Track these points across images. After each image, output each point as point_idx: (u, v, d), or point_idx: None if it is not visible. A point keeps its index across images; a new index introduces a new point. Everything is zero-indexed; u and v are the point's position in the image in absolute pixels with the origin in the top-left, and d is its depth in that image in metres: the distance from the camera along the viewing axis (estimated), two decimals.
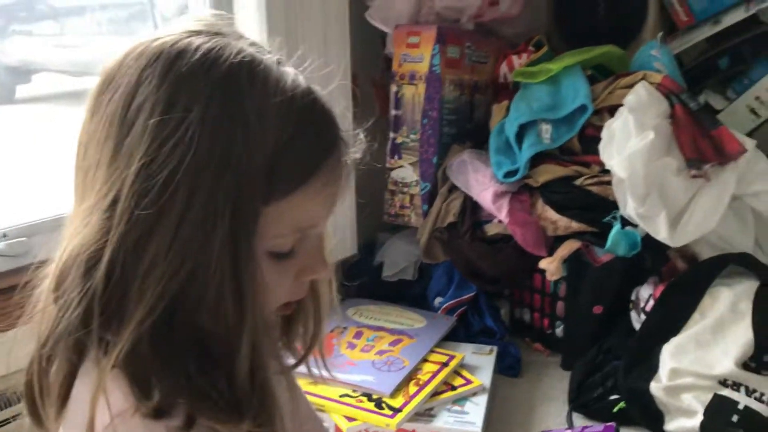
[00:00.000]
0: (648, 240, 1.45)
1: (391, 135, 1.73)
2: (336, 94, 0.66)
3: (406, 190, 1.73)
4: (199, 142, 0.53)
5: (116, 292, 0.55)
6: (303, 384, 1.38)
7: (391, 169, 1.74)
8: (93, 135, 0.56)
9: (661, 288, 1.45)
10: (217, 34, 0.58)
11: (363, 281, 1.88)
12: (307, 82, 0.62)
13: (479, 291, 1.69)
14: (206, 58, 0.55)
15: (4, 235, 1.33)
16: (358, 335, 1.56)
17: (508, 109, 1.60)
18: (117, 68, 0.58)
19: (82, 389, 0.57)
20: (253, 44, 0.60)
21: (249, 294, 0.56)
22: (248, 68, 0.56)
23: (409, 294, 1.82)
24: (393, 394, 1.34)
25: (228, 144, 0.53)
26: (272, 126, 0.55)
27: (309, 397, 1.34)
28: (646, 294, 1.48)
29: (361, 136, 0.65)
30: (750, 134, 1.59)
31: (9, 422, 1.29)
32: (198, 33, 0.58)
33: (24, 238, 1.32)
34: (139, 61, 0.56)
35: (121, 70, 0.57)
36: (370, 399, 1.34)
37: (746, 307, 1.35)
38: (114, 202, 0.54)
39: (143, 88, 0.54)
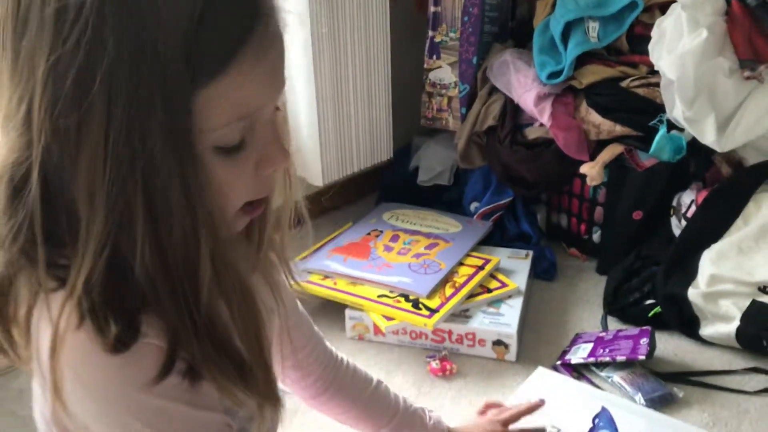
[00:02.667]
0: (693, 144, 1.42)
1: (430, 33, 1.67)
2: None
3: (444, 92, 1.69)
4: (106, 29, 0.45)
5: (56, 213, 0.50)
6: (343, 285, 1.42)
7: (429, 70, 1.70)
8: None
9: (704, 194, 1.42)
10: None
11: (398, 186, 1.88)
12: None
13: (516, 196, 1.67)
14: None
15: None
16: (394, 238, 1.57)
17: (553, 5, 1.53)
18: None
19: (41, 323, 0.53)
20: None
21: (199, 197, 0.50)
22: None
23: (444, 199, 1.82)
24: (429, 296, 1.35)
25: (137, 28, 0.46)
26: (181, 2, 0.47)
27: (348, 298, 1.38)
28: (688, 200, 1.45)
29: None
30: None
31: None
32: None
33: None
34: None
35: None
36: (407, 299, 1.35)
37: None
38: (27, 115, 0.47)
39: None
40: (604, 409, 1.10)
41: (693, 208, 1.43)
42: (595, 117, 1.47)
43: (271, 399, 0.59)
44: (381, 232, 1.61)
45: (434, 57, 1.68)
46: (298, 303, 0.83)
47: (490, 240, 1.65)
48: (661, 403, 1.20)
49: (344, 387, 0.92)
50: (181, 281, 0.51)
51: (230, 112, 0.50)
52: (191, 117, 0.48)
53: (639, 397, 1.20)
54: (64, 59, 0.46)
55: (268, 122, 0.54)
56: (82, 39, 0.45)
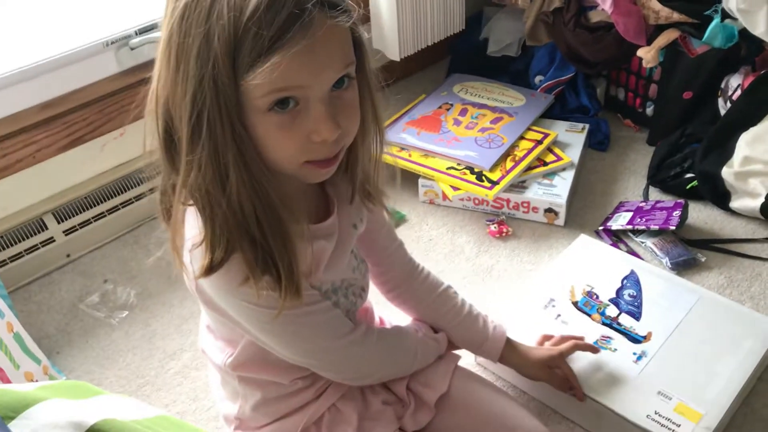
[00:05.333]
0: (746, 31, 1.51)
1: None
2: None
3: None
4: (192, 30, 0.65)
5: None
6: (416, 156, 1.63)
7: None
8: None
9: (750, 78, 1.54)
10: None
11: (468, 53, 2.02)
12: None
13: (578, 71, 1.81)
14: None
15: (135, 33, 1.51)
16: (463, 112, 1.76)
17: None
18: None
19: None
20: None
21: (246, 151, 0.68)
22: None
23: (511, 69, 1.95)
24: (492, 169, 1.57)
25: (205, 30, 0.64)
26: (228, 17, 0.62)
27: (421, 168, 1.60)
28: (735, 83, 1.57)
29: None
30: None
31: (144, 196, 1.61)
32: None
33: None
34: None
35: None
36: (472, 172, 1.57)
37: None
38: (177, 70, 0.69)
39: None
40: (632, 271, 1.33)
41: (739, 91, 1.55)
42: (654, 4, 1.56)
43: (291, 292, 0.75)
44: (451, 105, 1.79)
45: None
46: (385, 216, 0.98)
47: (551, 112, 1.80)
48: (685, 266, 1.42)
49: (414, 287, 1.05)
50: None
51: (265, 88, 0.64)
52: (238, 93, 0.64)
53: (666, 261, 1.42)
54: (185, 42, 0.65)
55: (319, 100, 0.67)
56: (190, 30, 0.65)
